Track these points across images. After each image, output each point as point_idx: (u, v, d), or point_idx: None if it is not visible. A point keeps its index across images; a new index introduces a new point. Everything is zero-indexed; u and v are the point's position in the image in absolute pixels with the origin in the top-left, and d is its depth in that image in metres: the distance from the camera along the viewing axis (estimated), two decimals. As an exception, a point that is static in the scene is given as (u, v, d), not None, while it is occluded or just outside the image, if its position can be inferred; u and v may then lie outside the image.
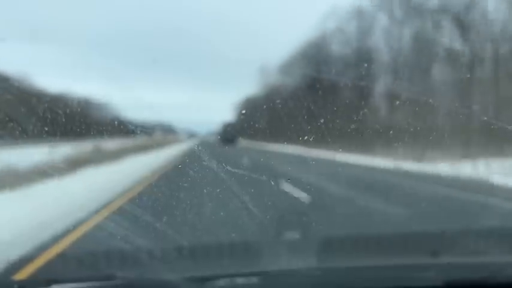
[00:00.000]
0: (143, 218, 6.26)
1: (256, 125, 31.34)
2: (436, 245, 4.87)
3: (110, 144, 21.90)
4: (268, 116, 32.62)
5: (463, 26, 24.94)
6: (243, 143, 31.47)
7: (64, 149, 15.61)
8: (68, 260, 4.97)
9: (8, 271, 4.68)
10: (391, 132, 23.41)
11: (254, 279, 2.59)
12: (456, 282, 2.42)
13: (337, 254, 4.60)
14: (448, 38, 25.76)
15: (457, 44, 25.57)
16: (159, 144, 30.57)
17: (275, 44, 42.07)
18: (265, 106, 31.47)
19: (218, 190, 8.17)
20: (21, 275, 4.56)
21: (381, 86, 28.30)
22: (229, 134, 29.18)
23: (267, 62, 35.23)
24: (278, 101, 28.26)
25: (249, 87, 36.38)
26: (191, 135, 39.03)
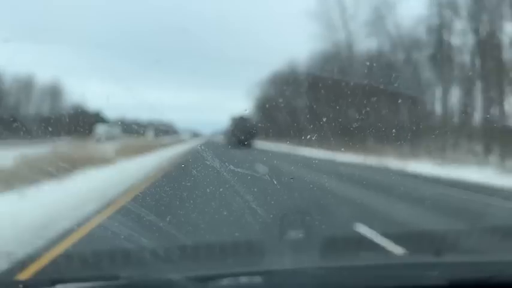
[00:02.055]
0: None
1: (283, 120, 25.29)
2: (440, 244, 4.87)
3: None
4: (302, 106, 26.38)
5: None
6: (264, 145, 23.37)
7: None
8: (72, 259, 4.98)
9: (13, 270, 4.70)
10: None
11: (257, 279, 2.59)
12: (460, 281, 2.41)
13: (341, 253, 4.60)
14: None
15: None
16: (149, 148, 22.56)
17: (278, 42, 41.97)
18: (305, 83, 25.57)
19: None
20: (26, 274, 4.58)
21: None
22: (241, 133, 21.10)
23: (270, 61, 34.14)
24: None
25: (252, 87, 35.96)
26: (195, 135, 38.01)
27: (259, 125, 25.12)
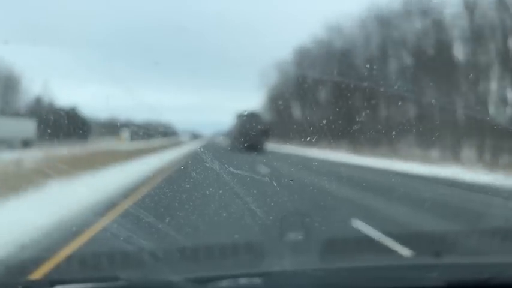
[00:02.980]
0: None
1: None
2: (439, 245, 4.87)
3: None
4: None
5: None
6: (284, 149, 19.00)
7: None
8: (72, 261, 4.98)
9: (13, 273, 4.70)
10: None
11: (257, 280, 2.59)
12: (459, 282, 2.42)
13: (340, 254, 4.60)
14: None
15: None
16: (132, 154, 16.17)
17: (279, 43, 41.83)
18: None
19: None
20: (25, 276, 4.57)
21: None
22: (249, 133, 16.38)
23: (272, 60, 32.80)
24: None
25: (254, 88, 35.60)
26: (194, 136, 37.34)
27: (260, 126, 20.59)
